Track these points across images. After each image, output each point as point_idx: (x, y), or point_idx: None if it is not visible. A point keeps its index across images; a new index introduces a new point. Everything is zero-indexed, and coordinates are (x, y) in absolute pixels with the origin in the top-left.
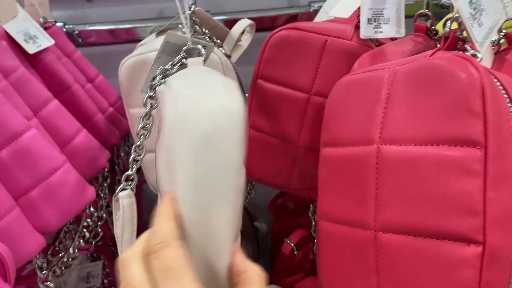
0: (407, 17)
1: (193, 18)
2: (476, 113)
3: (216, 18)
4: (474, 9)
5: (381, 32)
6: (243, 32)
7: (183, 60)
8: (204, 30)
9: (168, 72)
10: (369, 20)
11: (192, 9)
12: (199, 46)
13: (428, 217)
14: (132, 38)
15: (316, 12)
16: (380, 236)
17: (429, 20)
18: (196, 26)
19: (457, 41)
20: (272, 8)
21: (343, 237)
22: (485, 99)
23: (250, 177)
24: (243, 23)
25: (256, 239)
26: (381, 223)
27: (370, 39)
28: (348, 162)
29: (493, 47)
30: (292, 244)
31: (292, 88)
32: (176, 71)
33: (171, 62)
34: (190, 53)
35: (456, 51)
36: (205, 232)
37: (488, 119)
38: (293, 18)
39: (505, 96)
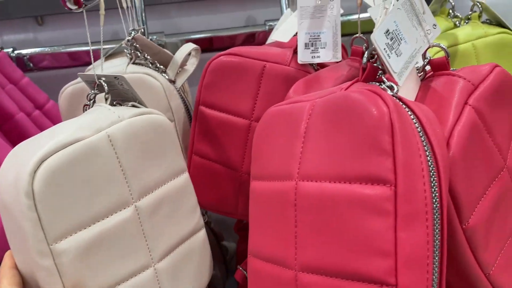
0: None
1: (134, 44)
2: (385, 150)
3: (172, 38)
4: (392, 39)
5: (318, 56)
6: (189, 56)
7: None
8: (146, 56)
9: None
10: (306, 45)
11: (132, 34)
12: (101, 81)
13: (343, 258)
14: (87, 61)
15: (271, 30)
16: (300, 277)
17: (365, 44)
18: (138, 52)
19: (376, 72)
20: (229, 27)
21: (268, 275)
22: (394, 135)
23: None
24: (187, 47)
25: (224, 260)
26: (300, 263)
27: (309, 63)
28: (271, 197)
29: (419, 74)
30: (245, 272)
31: (233, 115)
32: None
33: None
34: (112, 86)
35: (374, 82)
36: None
37: (397, 156)
38: (251, 36)
39: (419, 129)
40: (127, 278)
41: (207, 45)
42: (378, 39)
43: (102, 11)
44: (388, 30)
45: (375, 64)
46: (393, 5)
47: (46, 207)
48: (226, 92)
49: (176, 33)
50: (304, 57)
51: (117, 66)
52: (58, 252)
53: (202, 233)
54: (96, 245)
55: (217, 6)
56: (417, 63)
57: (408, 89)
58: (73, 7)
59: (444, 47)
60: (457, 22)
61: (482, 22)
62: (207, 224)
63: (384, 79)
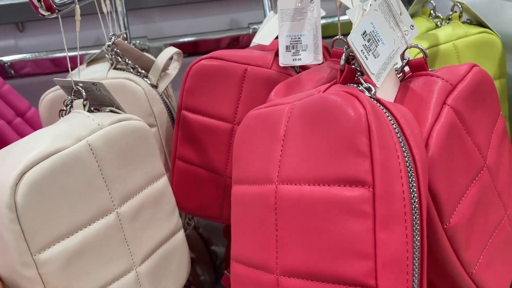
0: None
1: (115, 49)
2: (362, 151)
3: (156, 43)
4: (369, 40)
5: (299, 59)
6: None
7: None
8: (127, 61)
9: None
10: (287, 48)
11: (112, 40)
12: (79, 87)
13: (323, 261)
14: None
15: (255, 33)
16: (281, 281)
17: (345, 46)
18: (118, 58)
19: (354, 74)
20: (213, 31)
21: (250, 280)
22: (371, 136)
23: (182, 210)
24: (169, 51)
25: (214, 264)
26: (282, 267)
27: (291, 66)
28: (252, 201)
29: (398, 75)
30: None
31: (215, 118)
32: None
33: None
34: (89, 91)
35: (352, 84)
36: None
37: (374, 157)
38: (235, 40)
39: (396, 130)
40: (110, 283)
41: (191, 49)
42: (355, 40)
43: (77, 17)
44: (365, 32)
45: (353, 66)
46: (370, 5)
47: (29, 219)
48: (208, 96)
49: (160, 37)
50: (285, 59)
51: (98, 72)
52: (41, 262)
53: (181, 234)
54: (79, 252)
55: (200, 10)
56: (396, 64)
57: (387, 90)
58: (46, 13)
59: (421, 47)
60: (438, 23)
61: (463, 22)
62: (195, 229)
63: (362, 81)
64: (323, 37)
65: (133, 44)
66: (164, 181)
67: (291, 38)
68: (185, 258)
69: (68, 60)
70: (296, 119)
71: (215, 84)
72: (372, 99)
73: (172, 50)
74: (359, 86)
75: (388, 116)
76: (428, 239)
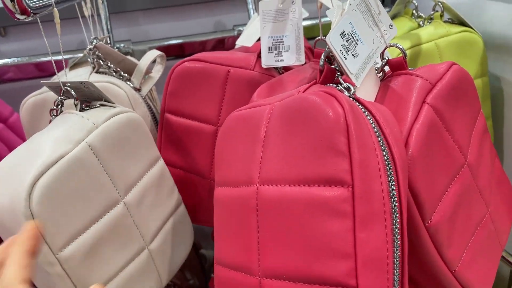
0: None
1: (97, 53)
2: (341, 151)
3: (140, 46)
4: (348, 40)
5: (282, 60)
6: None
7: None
8: (109, 64)
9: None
10: (269, 49)
11: (94, 43)
12: (68, 87)
13: (304, 262)
14: (52, 71)
15: (240, 35)
16: (264, 283)
17: (327, 46)
18: (101, 61)
19: (334, 74)
20: (198, 33)
21: (232, 283)
22: (349, 136)
23: None
24: (152, 54)
25: (203, 268)
26: (264, 269)
27: (273, 67)
28: (234, 203)
29: (378, 74)
30: None
31: (199, 121)
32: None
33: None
34: (78, 89)
35: (332, 84)
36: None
37: (353, 157)
38: (220, 42)
39: (375, 130)
40: (127, 265)
41: (176, 52)
42: (333, 41)
43: (57, 20)
44: (343, 32)
45: (333, 66)
46: (349, 5)
47: (46, 223)
48: (191, 99)
49: (144, 40)
50: (267, 61)
51: (80, 76)
52: (64, 259)
53: (182, 208)
54: (96, 244)
55: (185, 12)
56: (376, 63)
57: (367, 89)
58: (21, 17)
59: (400, 47)
60: (420, 22)
61: (445, 22)
62: None
63: (341, 81)
64: (308, 38)
65: (117, 48)
66: (160, 164)
67: (273, 39)
68: (188, 228)
69: (53, 63)
70: (276, 120)
71: (198, 86)
72: (351, 99)
73: (155, 53)
74: (339, 86)
75: (367, 116)
76: (410, 237)
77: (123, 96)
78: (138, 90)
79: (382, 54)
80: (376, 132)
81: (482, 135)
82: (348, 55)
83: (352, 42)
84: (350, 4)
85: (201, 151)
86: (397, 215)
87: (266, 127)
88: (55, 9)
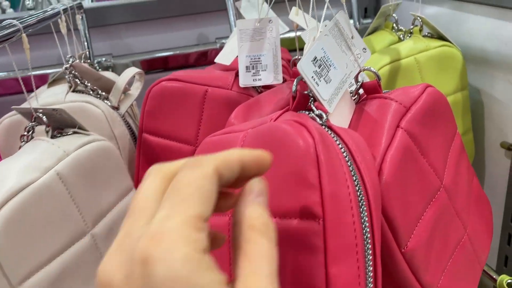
0: None
1: (73, 72)
2: (312, 183)
3: (122, 60)
4: (320, 66)
5: (259, 79)
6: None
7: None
8: (86, 83)
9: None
10: (247, 68)
11: (70, 62)
12: (39, 114)
13: None
14: (28, 89)
15: (222, 47)
16: None
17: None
18: (77, 80)
19: (307, 100)
20: (180, 46)
21: None
22: (319, 167)
23: None
24: (130, 72)
25: None
26: None
27: (252, 86)
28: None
29: (352, 98)
30: None
31: (177, 141)
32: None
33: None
34: (50, 116)
35: (304, 111)
36: None
37: (324, 189)
38: (203, 55)
39: (347, 158)
40: None
41: (158, 65)
42: (305, 68)
43: (26, 46)
44: (315, 58)
45: (306, 92)
46: (321, 31)
47: (7, 255)
48: (169, 118)
49: (127, 54)
50: (245, 80)
51: (57, 95)
52: None
53: None
54: (58, 278)
55: (167, 25)
56: (352, 84)
57: (341, 114)
58: None
59: (374, 70)
60: (401, 36)
61: (424, 36)
62: None
63: (313, 108)
64: (291, 51)
65: (98, 62)
66: (133, 194)
67: (251, 58)
68: None
69: (32, 79)
70: (249, 148)
71: (175, 106)
72: (323, 127)
73: (133, 71)
74: (311, 113)
75: (339, 144)
76: (386, 263)
77: (100, 115)
78: (116, 108)
79: (356, 78)
80: (348, 161)
81: (458, 155)
82: (320, 81)
83: (325, 67)
84: (322, 30)
85: None
86: (369, 246)
87: None
88: (24, 35)
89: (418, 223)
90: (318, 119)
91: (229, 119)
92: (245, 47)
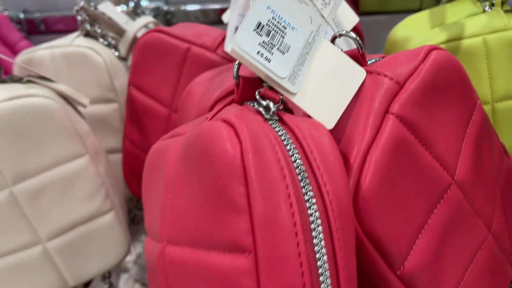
0: None
1: (83, 15)
2: (239, 205)
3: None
4: (269, 33)
5: None
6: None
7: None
8: (96, 29)
9: None
10: (236, 29)
11: (81, 4)
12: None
13: None
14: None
15: None
16: None
17: None
18: (87, 25)
19: (257, 85)
20: None
21: None
22: (248, 184)
23: (132, 194)
24: (142, 21)
25: None
26: None
27: None
28: (150, 258)
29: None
30: None
31: (156, 100)
32: None
33: None
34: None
35: (250, 102)
36: None
37: (254, 212)
38: None
39: (296, 165)
40: (12, 253)
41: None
42: (244, 44)
43: None
44: (259, 24)
45: (250, 77)
46: None
47: None
48: (151, 74)
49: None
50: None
51: (69, 38)
52: None
53: (108, 217)
54: None
55: None
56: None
57: (321, 89)
58: None
59: (353, 36)
60: (486, 7)
61: (506, 11)
62: None
63: (258, 98)
64: None
65: (156, 8)
66: (80, 163)
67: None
68: (114, 240)
69: None
70: (180, 160)
71: (157, 61)
72: (272, 122)
73: (146, 20)
74: (255, 105)
75: (286, 145)
76: None
77: (100, 63)
78: (124, 59)
79: (332, 41)
80: (297, 168)
81: (479, 135)
82: (272, 54)
83: (277, 32)
84: None
85: (155, 134)
86: (329, 284)
87: (174, 166)
88: None
89: (418, 235)
90: (264, 113)
91: (189, 85)
92: (239, 3)
